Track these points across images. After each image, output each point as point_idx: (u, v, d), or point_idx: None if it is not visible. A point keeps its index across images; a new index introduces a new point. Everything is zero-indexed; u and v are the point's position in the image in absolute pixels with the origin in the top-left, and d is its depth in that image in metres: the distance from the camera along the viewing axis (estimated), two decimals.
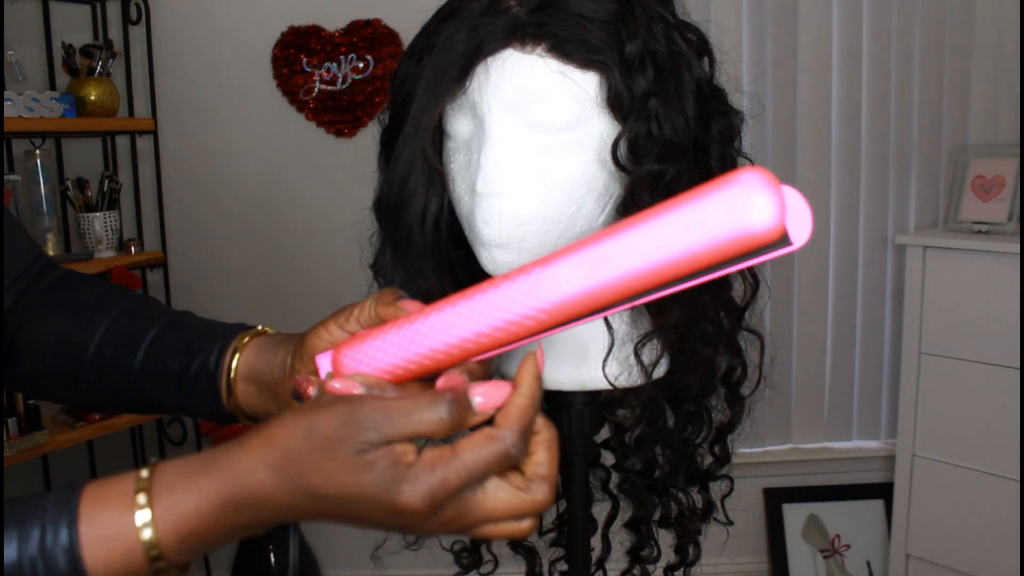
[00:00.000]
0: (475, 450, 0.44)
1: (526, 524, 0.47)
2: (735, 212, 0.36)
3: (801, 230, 0.40)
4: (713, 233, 0.36)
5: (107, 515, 0.43)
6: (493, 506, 0.45)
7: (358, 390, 0.48)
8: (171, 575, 0.45)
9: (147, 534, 0.43)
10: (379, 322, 0.54)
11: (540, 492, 0.46)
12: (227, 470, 0.44)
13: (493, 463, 0.44)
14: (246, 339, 0.64)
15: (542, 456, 0.47)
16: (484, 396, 0.45)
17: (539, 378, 0.47)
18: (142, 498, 0.44)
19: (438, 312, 0.48)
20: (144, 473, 0.45)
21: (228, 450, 0.45)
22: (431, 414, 0.43)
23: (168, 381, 0.64)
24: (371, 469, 0.42)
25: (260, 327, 0.66)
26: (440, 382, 0.48)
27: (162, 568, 0.44)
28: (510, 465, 0.46)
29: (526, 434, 0.46)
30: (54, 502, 0.44)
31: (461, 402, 0.44)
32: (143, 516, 0.43)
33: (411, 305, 0.52)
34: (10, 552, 0.42)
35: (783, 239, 0.40)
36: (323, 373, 0.53)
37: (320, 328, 0.58)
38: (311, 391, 0.50)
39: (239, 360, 0.63)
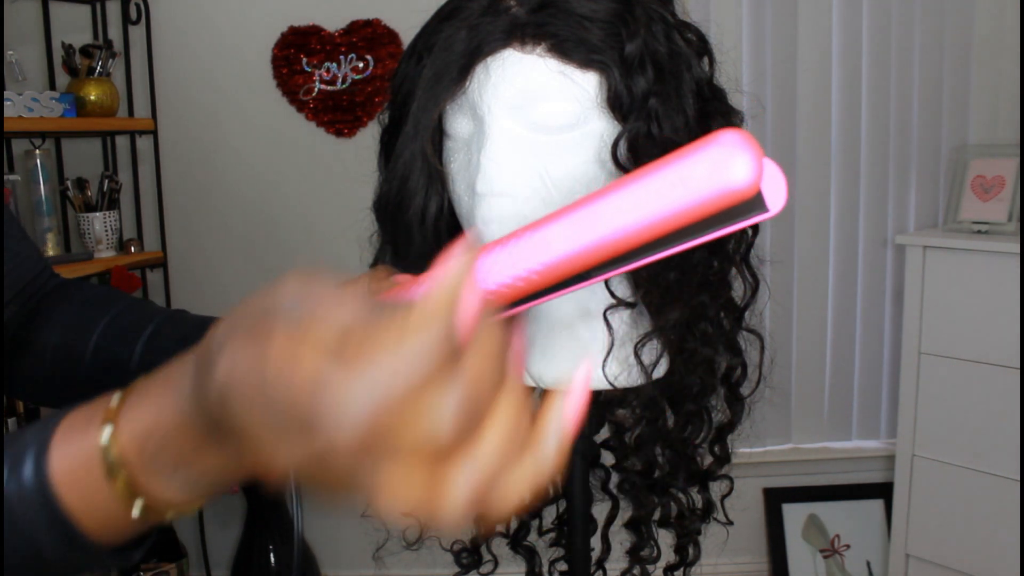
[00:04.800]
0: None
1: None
2: (717, 169, 0.38)
3: (777, 197, 0.43)
4: (696, 189, 0.38)
5: (74, 420, 0.42)
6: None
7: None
8: (150, 515, 0.41)
9: (106, 432, 0.40)
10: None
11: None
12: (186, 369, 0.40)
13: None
14: None
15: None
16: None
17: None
18: (113, 401, 0.42)
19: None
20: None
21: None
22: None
23: None
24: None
25: None
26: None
27: (120, 476, 0.40)
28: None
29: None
30: (37, 427, 0.43)
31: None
32: (106, 407, 0.41)
33: (405, 278, 0.50)
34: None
35: (761, 204, 0.43)
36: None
37: None
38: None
39: None
